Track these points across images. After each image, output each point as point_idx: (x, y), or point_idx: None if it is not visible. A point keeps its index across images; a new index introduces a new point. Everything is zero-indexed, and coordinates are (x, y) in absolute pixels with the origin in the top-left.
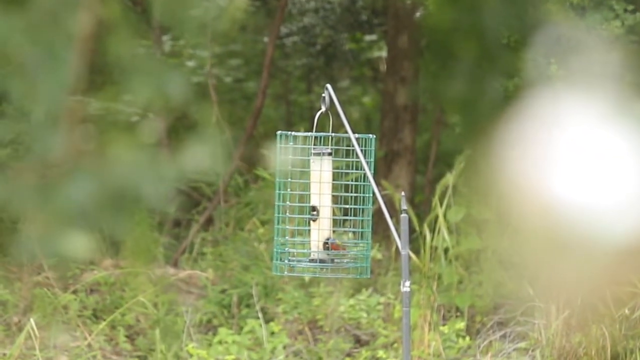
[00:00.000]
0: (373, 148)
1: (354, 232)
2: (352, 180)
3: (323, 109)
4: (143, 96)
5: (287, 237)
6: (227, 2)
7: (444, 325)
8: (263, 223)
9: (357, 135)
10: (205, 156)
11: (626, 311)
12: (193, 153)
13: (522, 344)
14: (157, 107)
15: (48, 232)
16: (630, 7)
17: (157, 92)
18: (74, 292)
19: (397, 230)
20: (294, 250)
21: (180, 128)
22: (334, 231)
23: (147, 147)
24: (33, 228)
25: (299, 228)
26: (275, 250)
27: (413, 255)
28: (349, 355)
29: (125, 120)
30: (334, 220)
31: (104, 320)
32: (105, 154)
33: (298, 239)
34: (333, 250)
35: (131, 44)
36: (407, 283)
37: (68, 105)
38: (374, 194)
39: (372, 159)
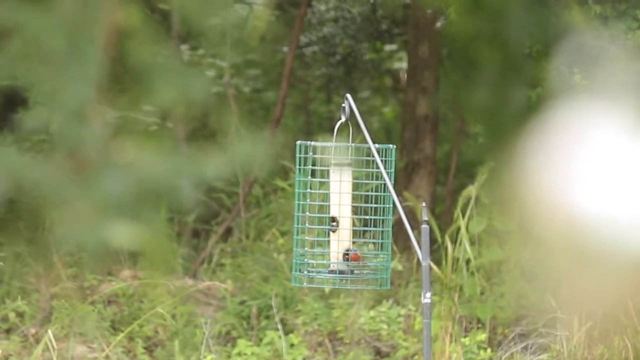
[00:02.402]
0: (393, 158)
1: (374, 243)
2: (372, 191)
3: (343, 119)
4: (164, 101)
5: (306, 248)
6: (247, 11)
7: (465, 337)
8: (282, 234)
9: (377, 145)
10: (226, 166)
11: None
12: (214, 163)
13: (544, 356)
14: (178, 112)
15: (79, 229)
16: None
17: (179, 97)
18: (92, 303)
19: (417, 241)
20: (314, 262)
21: (199, 137)
22: (353, 242)
23: (169, 153)
24: (61, 225)
25: (318, 239)
26: (294, 261)
27: (434, 267)
28: None
29: (145, 127)
30: (353, 231)
31: (122, 331)
32: (126, 158)
33: (318, 250)
34: (353, 262)
35: (152, 50)
36: (428, 294)
37: (94, 105)
38: (394, 204)
39: (393, 170)
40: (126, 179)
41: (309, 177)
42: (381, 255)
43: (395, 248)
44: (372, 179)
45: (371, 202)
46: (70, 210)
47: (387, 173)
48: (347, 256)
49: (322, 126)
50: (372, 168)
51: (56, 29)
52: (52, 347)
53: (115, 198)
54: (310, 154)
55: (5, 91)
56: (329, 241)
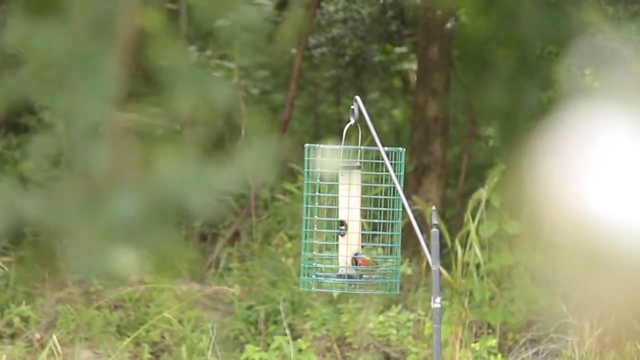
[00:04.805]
0: (403, 161)
1: (383, 247)
2: (381, 194)
3: (352, 121)
4: (187, 106)
5: (315, 252)
6: (255, 12)
7: (475, 342)
8: (290, 238)
9: (386, 148)
10: (237, 175)
11: None
12: (225, 173)
13: None
14: (201, 117)
15: (91, 250)
16: None
17: (202, 101)
18: (98, 308)
19: (427, 245)
20: (322, 266)
21: (208, 141)
22: (362, 246)
23: (188, 159)
24: (74, 246)
25: (327, 243)
26: (302, 265)
27: (444, 271)
28: None
29: (163, 132)
30: (362, 235)
31: (128, 336)
32: (145, 167)
33: (326, 254)
34: (362, 266)
35: (173, 54)
36: (438, 299)
37: (109, 117)
38: (403, 208)
39: (402, 173)
40: (139, 198)
41: (318, 180)
42: (390, 260)
43: (404, 252)
44: (382, 182)
45: (380, 206)
46: (79, 236)
47: (397, 176)
48: (355, 260)
49: (330, 128)
50: (382, 171)
51: (70, 43)
52: (57, 352)
53: (126, 220)
54: (319, 156)
55: (14, 101)
56: (337, 245)
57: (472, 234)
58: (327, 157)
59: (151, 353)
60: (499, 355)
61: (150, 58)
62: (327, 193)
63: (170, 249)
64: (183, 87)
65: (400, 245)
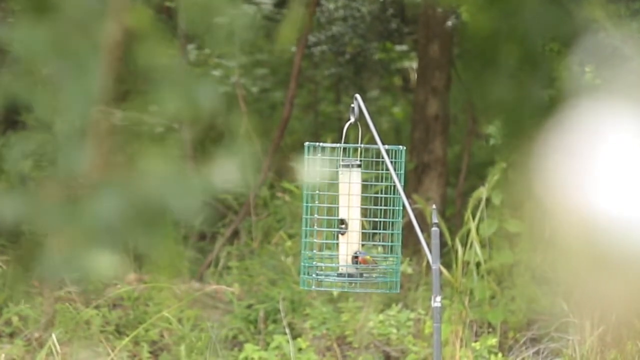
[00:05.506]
0: (403, 160)
1: (383, 246)
2: (381, 193)
3: (352, 119)
4: (173, 107)
5: (315, 251)
6: (254, 10)
7: (475, 341)
8: (290, 236)
9: (386, 146)
10: (234, 168)
11: None
12: (222, 165)
13: None
14: (187, 117)
15: (73, 251)
16: None
17: (188, 102)
18: (97, 307)
19: (427, 244)
20: (322, 264)
21: (206, 139)
22: (363, 245)
23: (176, 159)
24: (58, 246)
25: (327, 241)
26: (302, 264)
27: (444, 270)
28: None
29: (152, 132)
30: (363, 233)
31: (127, 335)
32: (132, 167)
33: (326, 252)
34: (362, 265)
35: (161, 53)
36: (438, 298)
37: (95, 118)
38: (404, 206)
39: (402, 171)
40: (124, 199)
41: (318, 178)
42: (391, 258)
43: (404, 251)
44: (382, 181)
45: (380, 204)
46: (61, 238)
47: (397, 174)
48: (356, 259)
49: (330, 127)
50: (382, 169)
51: (55, 41)
52: (56, 351)
53: (110, 222)
54: (319, 155)
55: (8, 98)
56: (337, 244)
57: (473, 233)
58: (327, 156)
59: (150, 352)
60: (500, 354)
61: (138, 58)
62: (327, 192)
63: (162, 249)
64: (169, 87)
65: (400, 243)
